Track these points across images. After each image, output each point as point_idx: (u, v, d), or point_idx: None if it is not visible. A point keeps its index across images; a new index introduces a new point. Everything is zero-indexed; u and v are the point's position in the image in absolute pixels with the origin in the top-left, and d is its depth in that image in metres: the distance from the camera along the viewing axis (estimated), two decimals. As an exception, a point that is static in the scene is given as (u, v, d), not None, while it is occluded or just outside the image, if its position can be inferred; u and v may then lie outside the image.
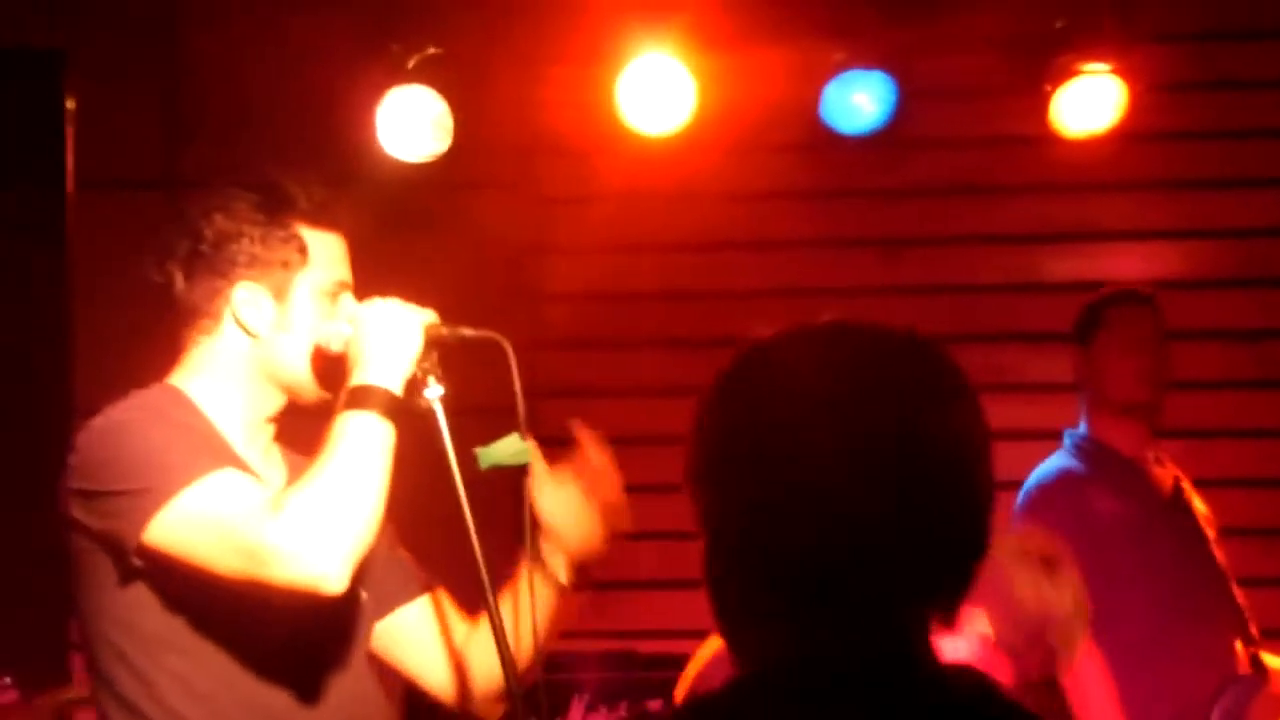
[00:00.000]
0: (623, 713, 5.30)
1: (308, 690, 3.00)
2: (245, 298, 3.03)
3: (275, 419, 3.12)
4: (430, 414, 2.98)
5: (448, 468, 2.97)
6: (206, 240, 3.03)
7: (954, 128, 6.12)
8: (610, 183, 5.82)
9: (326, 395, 3.03)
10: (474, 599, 3.01)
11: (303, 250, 3.04)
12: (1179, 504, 4.74)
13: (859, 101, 5.76)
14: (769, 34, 5.82)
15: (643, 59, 5.61)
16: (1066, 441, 4.83)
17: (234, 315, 3.04)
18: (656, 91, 5.63)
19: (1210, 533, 4.70)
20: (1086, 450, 4.77)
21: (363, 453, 2.86)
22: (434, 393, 2.98)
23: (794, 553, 1.67)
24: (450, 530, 2.92)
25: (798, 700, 1.66)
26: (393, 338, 2.96)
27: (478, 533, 2.93)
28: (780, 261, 6.10)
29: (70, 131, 5.94)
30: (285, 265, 3.03)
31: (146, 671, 2.93)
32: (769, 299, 5.72)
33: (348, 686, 3.05)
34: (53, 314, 5.92)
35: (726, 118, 5.82)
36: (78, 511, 2.93)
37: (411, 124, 5.47)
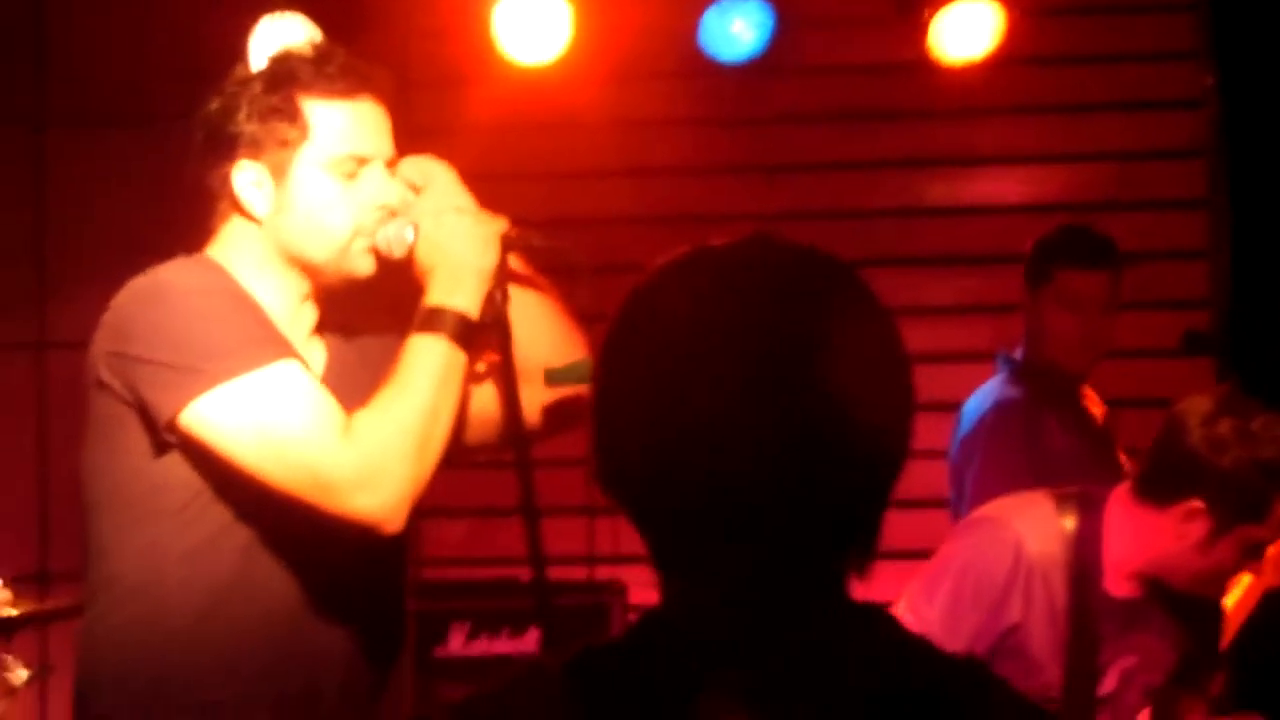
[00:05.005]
0: (504, 639, 5.25)
1: (319, 596, 2.82)
2: (244, 179, 2.83)
3: (315, 299, 2.91)
4: (500, 325, 2.83)
5: (511, 379, 2.85)
6: (210, 124, 2.85)
7: (833, 54, 6.11)
8: (487, 112, 5.77)
9: (351, 275, 2.85)
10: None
11: (301, 125, 2.82)
12: (1109, 437, 4.78)
13: (737, 29, 5.75)
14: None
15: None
16: (1004, 367, 4.77)
17: (236, 197, 2.85)
18: (533, 20, 5.59)
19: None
20: (1028, 377, 4.74)
21: (437, 384, 2.72)
22: (503, 304, 2.82)
23: (696, 498, 1.52)
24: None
25: (707, 649, 1.53)
26: (470, 254, 2.79)
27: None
28: (661, 189, 6.08)
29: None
30: (282, 143, 2.82)
31: (155, 544, 2.77)
32: (650, 226, 5.70)
33: (363, 604, 2.88)
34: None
35: (604, 46, 5.79)
36: (108, 374, 2.75)
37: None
